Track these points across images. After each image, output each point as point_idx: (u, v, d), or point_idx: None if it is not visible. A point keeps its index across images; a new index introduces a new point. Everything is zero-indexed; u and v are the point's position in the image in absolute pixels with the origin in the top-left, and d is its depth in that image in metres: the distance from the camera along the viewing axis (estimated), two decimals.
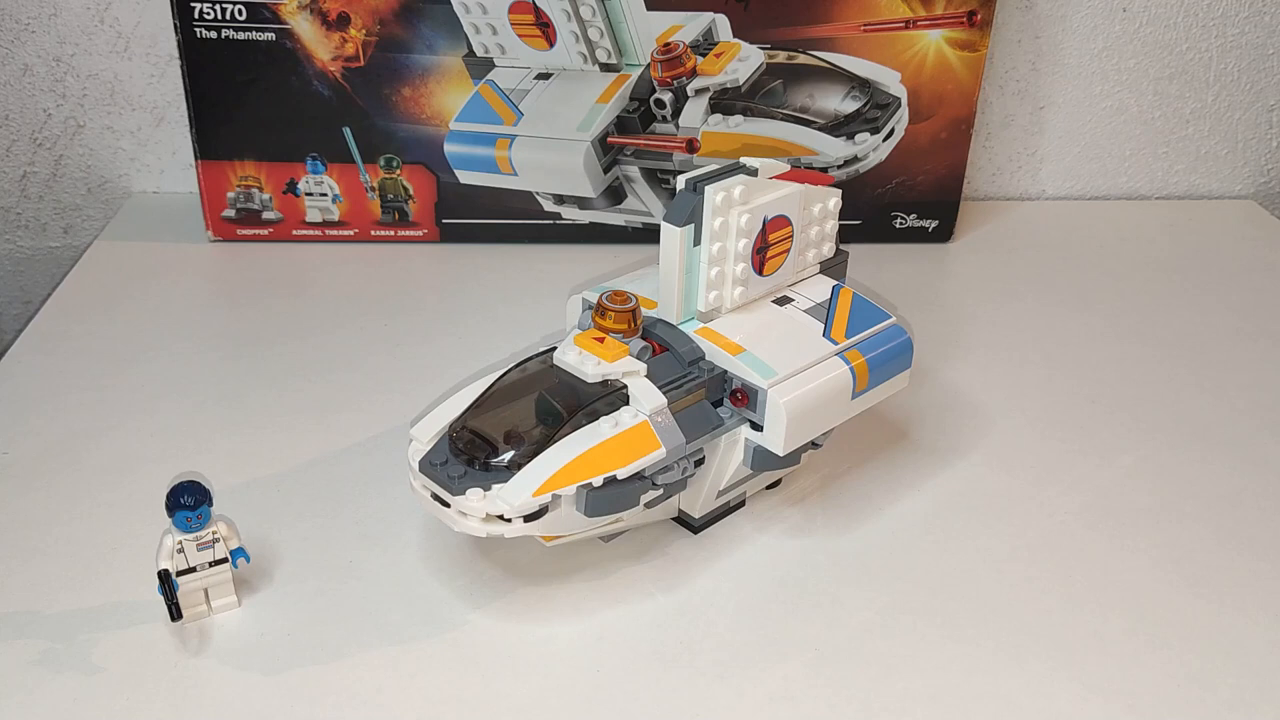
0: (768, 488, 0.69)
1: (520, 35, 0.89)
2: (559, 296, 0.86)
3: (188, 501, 0.55)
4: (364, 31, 0.88)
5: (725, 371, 0.61)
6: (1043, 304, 0.91)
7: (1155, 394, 0.79)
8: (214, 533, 0.57)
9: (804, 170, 0.67)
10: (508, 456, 0.57)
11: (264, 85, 0.89)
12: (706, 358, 0.62)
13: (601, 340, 0.60)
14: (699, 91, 0.91)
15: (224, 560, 0.57)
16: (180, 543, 0.56)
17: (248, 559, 0.58)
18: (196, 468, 0.69)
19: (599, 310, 0.60)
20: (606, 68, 0.90)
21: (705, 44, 0.90)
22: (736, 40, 0.90)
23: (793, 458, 0.63)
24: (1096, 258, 0.98)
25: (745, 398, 0.61)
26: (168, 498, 0.55)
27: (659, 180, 0.94)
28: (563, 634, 0.59)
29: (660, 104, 0.91)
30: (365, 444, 0.72)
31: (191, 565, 0.57)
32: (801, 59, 0.91)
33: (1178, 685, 0.56)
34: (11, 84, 0.98)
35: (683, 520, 0.66)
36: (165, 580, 0.55)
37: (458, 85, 0.90)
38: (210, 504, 0.56)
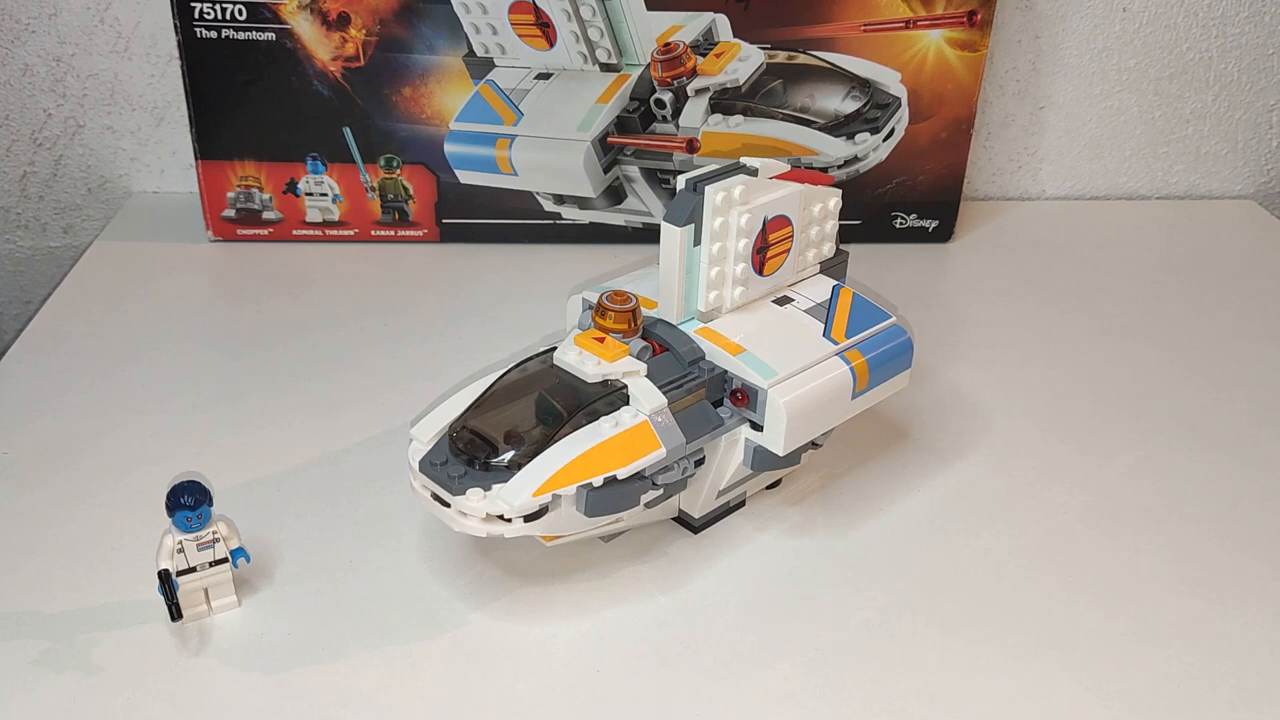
0: (768, 488, 0.69)
1: (520, 35, 0.89)
2: (559, 296, 0.86)
3: (188, 501, 0.55)
4: (364, 31, 0.88)
5: (725, 371, 0.61)
6: (1043, 304, 0.91)
7: (1155, 394, 0.79)
8: (214, 533, 0.57)
9: (804, 170, 0.67)
10: (508, 456, 0.57)
11: (264, 85, 0.89)
12: (706, 358, 0.62)
13: (601, 340, 0.60)
14: (699, 91, 0.91)
15: (224, 560, 0.57)
16: (180, 543, 0.56)
17: (248, 559, 0.58)
18: (196, 468, 0.69)
19: (599, 310, 0.60)
20: (606, 68, 0.90)
21: (705, 44, 0.90)
22: (736, 40, 0.90)
23: (793, 458, 0.63)
24: (1096, 258, 0.98)
25: (745, 398, 0.61)
26: (168, 498, 0.55)
27: (659, 180, 0.94)
28: (563, 634, 0.59)
29: (660, 104, 0.91)
30: (365, 444, 0.72)
31: (191, 565, 0.57)
32: (801, 59, 0.91)
33: (1178, 685, 0.56)
34: (11, 84, 0.98)
35: (683, 520, 0.66)
36: (165, 580, 0.55)
37: (458, 85, 0.90)
38: (210, 504, 0.56)
